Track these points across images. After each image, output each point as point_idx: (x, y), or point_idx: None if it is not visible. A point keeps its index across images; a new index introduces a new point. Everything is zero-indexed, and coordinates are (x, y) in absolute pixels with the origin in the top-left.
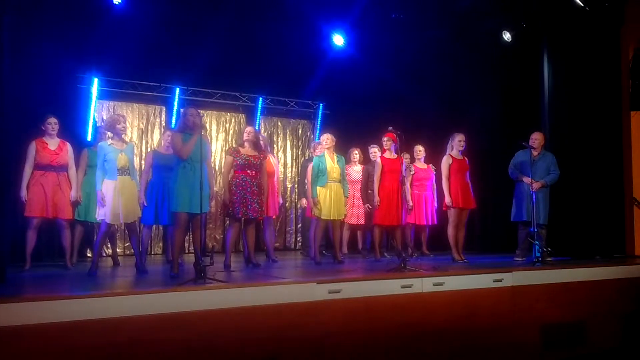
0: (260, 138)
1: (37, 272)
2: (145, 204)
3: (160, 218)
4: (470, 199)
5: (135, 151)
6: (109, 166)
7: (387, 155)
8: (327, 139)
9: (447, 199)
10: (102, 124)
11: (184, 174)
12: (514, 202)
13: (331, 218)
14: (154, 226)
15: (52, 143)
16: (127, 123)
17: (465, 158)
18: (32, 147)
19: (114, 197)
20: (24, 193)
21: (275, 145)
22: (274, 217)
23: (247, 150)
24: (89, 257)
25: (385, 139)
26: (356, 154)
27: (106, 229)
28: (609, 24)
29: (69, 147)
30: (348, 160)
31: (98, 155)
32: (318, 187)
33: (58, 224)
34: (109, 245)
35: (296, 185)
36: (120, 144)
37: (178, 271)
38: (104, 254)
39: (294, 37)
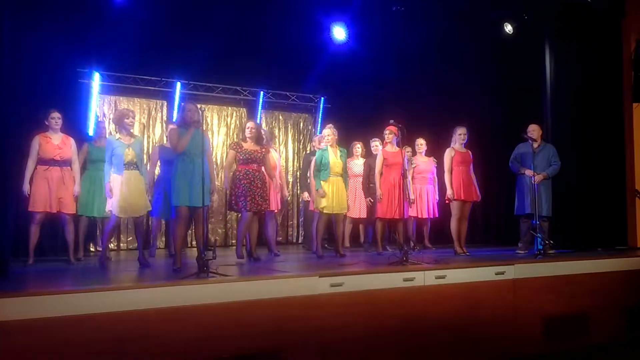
0: (262, 132)
1: (39, 267)
2: (151, 199)
3: (169, 212)
4: (472, 191)
5: None
6: (116, 161)
7: (388, 148)
8: (330, 133)
9: (449, 192)
10: (109, 118)
11: (183, 168)
12: (516, 195)
13: (334, 212)
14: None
15: (56, 138)
16: (135, 119)
17: (469, 151)
18: (36, 142)
19: (122, 191)
20: (26, 187)
21: (276, 139)
22: (277, 211)
23: (249, 144)
24: (92, 251)
25: (386, 132)
26: (358, 147)
27: (115, 222)
28: (610, 16)
29: (72, 141)
30: (350, 154)
31: (106, 150)
32: (320, 181)
33: (61, 219)
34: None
35: (298, 179)
36: (127, 138)
37: (181, 265)
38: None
39: (295, 31)
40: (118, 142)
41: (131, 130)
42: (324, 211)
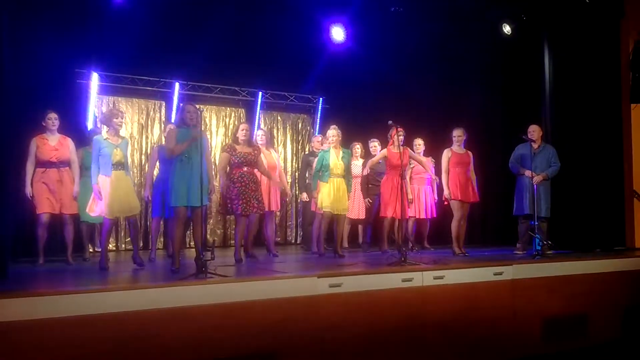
0: (262, 132)
1: (39, 268)
2: (150, 199)
3: (168, 211)
4: (469, 192)
5: (136, 146)
6: (103, 161)
7: (394, 149)
8: (334, 134)
9: (446, 192)
10: (100, 116)
11: (181, 168)
12: (515, 196)
13: (335, 212)
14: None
15: (53, 139)
16: (124, 120)
17: (468, 152)
18: (33, 144)
19: (112, 192)
20: (29, 190)
21: (275, 140)
22: (277, 210)
23: (242, 147)
24: (91, 252)
25: (398, 133)
26: (358, 148)
27: (110, 224)
28: (609, 16)
29: (69, 142)
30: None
31: (93, 149)
32: (321, 182)
33: (62, 219)
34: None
35: (296, 180)
36: (115, 138)
37: (179, 266)
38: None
39: (294, 31)
40: (106, 142)
41: (119, 132)
42: (326, 211)
